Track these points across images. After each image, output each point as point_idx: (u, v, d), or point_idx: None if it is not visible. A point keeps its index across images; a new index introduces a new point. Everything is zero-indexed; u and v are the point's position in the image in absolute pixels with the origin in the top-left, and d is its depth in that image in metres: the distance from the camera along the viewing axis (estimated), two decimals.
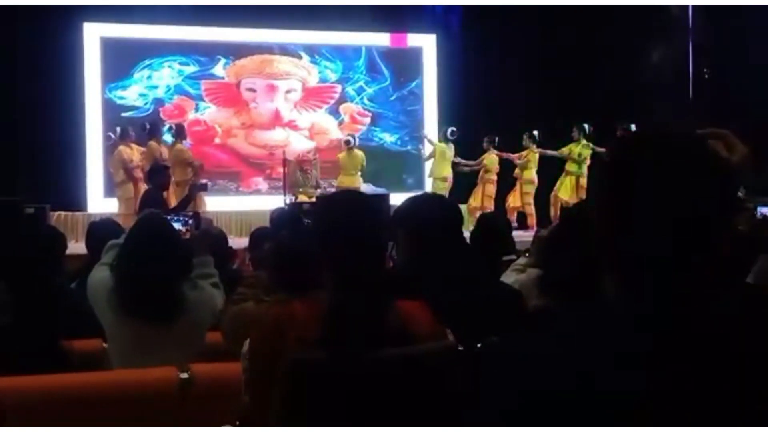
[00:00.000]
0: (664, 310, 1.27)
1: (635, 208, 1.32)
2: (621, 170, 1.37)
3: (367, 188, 12.77)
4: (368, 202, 2.33)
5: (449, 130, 13.47)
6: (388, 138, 15.14)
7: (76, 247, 8.14)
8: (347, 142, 13.35)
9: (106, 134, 13.06)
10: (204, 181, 11.34)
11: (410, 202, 2.94)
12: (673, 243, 1.29)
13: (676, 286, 1.27)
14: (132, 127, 12.40)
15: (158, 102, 14.08)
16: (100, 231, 4.70)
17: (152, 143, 11.78)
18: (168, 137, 12.38)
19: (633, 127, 11.69)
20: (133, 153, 12.03)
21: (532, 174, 13.26)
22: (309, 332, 1.99)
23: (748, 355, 1.22)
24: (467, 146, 13.83)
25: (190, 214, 3.97)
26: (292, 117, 14.80)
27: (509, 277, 3.54)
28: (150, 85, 14.12)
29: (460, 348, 2.23)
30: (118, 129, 12.36)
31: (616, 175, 1.38)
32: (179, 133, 12.15)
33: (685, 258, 1.27)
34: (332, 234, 2.12)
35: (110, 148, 12.62)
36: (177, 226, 3.70)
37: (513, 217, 12.66)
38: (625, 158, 1.39)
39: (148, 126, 12.20)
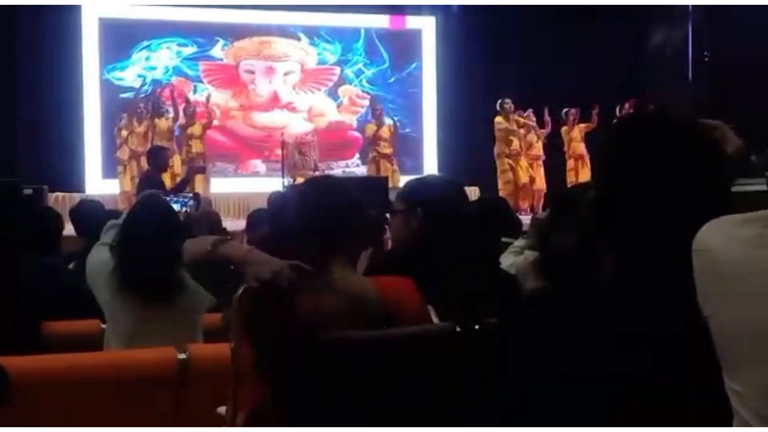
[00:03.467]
0: (664, 292, 1.28)
1: (631, 191, 1.33)
2: (618, 154, 1.38)
3: (365, 171, 12.80)
4: (363, 183, 2.33)
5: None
6: (387, 121, 15.10)
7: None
8: None
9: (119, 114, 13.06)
10: (202, 163, 11.39)
11: (418, 183, 2.92)
12: (669, 227, 1.30)
13: (673, 271, 1.28)
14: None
15: (156, 83, 14.03)
16: (86, 212, 4.82)
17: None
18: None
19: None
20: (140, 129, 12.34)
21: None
22: (295, 306, 1.99)
23: None
24: (465, 129, 13.82)
25: (190, 195, 3.97)
26: (290, 99, 14.76)
27: (506, 260, 3.54)
28: (148, 66, 14.08)
29: (457, 329, 2.24)
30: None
31: (614, 159, 1.38)
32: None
33: (681, 241, 1.28)
34: (324, 214, 2.12)
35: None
36: (176, 207, 3.70)
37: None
38: (622, 142, 1.40)
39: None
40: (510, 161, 12.87)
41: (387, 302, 2.08)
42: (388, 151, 13.05)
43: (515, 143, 12.90)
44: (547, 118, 13.22)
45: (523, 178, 12.85)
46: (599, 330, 1.29)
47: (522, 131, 13.01)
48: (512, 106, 12.88)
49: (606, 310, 1.30)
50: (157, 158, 9.26)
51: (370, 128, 13.28)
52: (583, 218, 1.67)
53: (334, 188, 2.22)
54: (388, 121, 13.44)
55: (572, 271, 1.76)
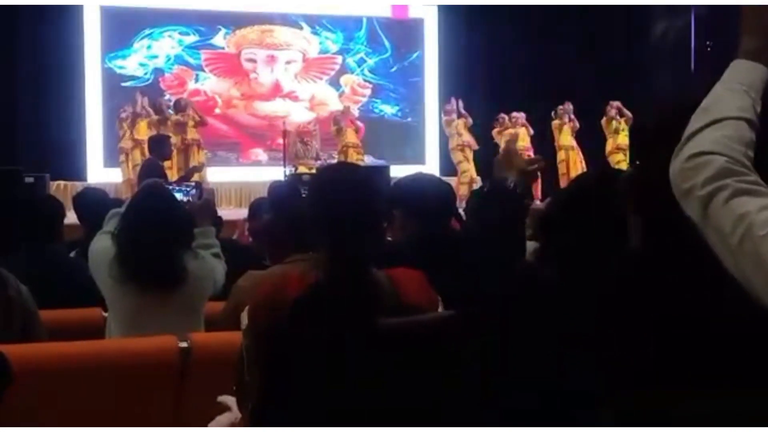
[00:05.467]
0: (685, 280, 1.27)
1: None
2: (657, 138, 1.38)
3: (367, 160, 12.79)
4: (367, 173, 2.32)
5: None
6: (389, 110, 15.09)
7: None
8: None
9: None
10: (198, 151, 11.44)
11: (404, 181, 3.04)
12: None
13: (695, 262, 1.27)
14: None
15: (158, 72, 14.03)
16: (89, 200, 4.83)
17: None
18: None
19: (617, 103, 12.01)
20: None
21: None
22: (302, 302, 1.97)
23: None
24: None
25: (193, 184, 3.96)
26: (292, 88, 14.75)
27: None
28: (150, 55, 14.07)
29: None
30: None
31: (653, 142, 1.39)
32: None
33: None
34: (330, 204, 2.10)
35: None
36: (179, 196, 3.69)
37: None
38: (662, 127, 1.40)
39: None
40: (463, 154, 13.26)
41: (400, 293, 2.08)
42: (353, 140, 13.06)
43: (465, 137, 13.33)
44: (525, 121, 13.40)
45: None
46: (601, 320, 1.29)
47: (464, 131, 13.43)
48: (453, 107, 13.38)
49: (610, 300, 1.30)
50: (159, 147, 9.28)
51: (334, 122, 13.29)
52: (591, 208, 1.66)
53: (352, 177, 2.20)
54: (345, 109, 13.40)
55: (574, 261, 1.76)
